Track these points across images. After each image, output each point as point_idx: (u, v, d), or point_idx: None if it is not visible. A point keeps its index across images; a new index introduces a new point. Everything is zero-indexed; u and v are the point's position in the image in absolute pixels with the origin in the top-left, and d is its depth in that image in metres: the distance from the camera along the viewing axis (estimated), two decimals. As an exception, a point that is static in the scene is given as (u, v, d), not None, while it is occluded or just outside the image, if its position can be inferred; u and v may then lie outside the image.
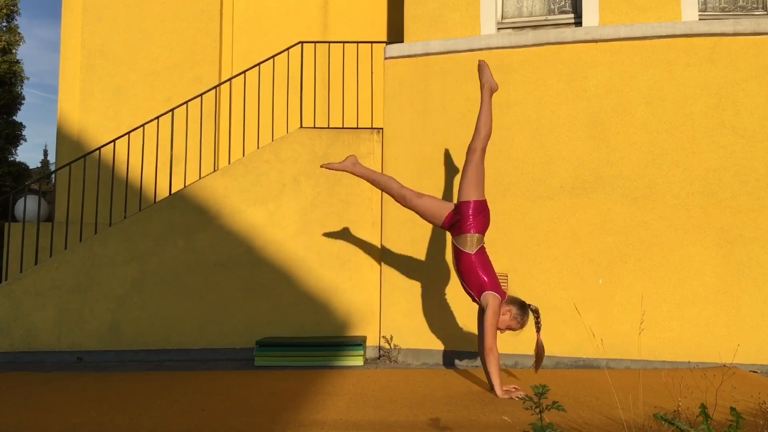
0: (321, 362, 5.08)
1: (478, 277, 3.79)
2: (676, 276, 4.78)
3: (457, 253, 3.88)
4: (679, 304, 4.75)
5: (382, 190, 4.31)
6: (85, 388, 4.16)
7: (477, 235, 3.85)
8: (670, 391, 3.62)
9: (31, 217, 6.98)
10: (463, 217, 3.87)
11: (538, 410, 2.13)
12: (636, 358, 4.69)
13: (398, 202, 4.18)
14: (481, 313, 3.81)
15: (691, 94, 4.88)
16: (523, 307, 3.81)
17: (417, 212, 4.13)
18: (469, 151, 3.99)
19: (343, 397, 3.67)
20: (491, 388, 3.71)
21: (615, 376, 4.16)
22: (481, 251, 3.86)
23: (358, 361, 5.10)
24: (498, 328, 3.79)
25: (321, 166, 4.43)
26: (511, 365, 4.94)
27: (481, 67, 4.18)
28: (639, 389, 3.55)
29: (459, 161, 5.29)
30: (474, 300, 3.87)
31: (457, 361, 5.11)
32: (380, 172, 5.62)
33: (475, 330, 5.10)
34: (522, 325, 3.82)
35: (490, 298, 3.72)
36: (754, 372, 4.44)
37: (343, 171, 4.32)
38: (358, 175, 4.29)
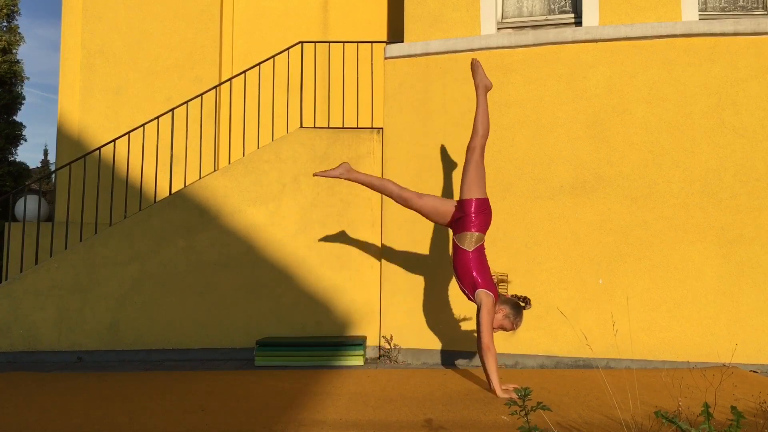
0: (321, 362, 5.08)
1: (472, 275, 3.81)
2: (676, 276, 4.78)
3: (455, 250, 3.91)
4: (679, 304, 4.75)
5: (382, 194, 4.27)
6: (85, 388, 4.16)
7: (477, 233, 3.87)
8: (670, 390, 3.62)
9: (31, 217, 6.98)
10: (466, 215, 3.89)
11: (523, 412, 2.11)
12: (636, 358, 4.70)
13: (400, 204, 4.16)
14: (478, 311, 3.82)
15: (691, 94, 4.88)
16: (516, 308, 3.82)
17: (421, 213, 4.13)
18: (469, 149, 4.02)
19: (343, 397, 3.67)
20: (490, 387, 3.72)
21: (615, 375, 4.16)
22: (479, 250, 3.88)
23: (358, 361, 5.10)
24: (492, 328, 3.81)
25: (314, 174, 4.32)
26: (511, 365, 4.94)
27: (475, 66, 4.19)
28: (639, 389, 3.55)
29: (459, 161, 5.29)
30: (469, 298, 3.89)
31: (457, 361, 5.11)
32: (378, 175, 5.62)
33: (475, 329, 5.10)
34: (514, 326, 3.83)
35: (483, 296, 3.74)
36: (754, 372, 4.44)
37: (338, 178, 4.25)
38: (353, 181, 4.24)
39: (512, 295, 3.90)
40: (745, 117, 4.78)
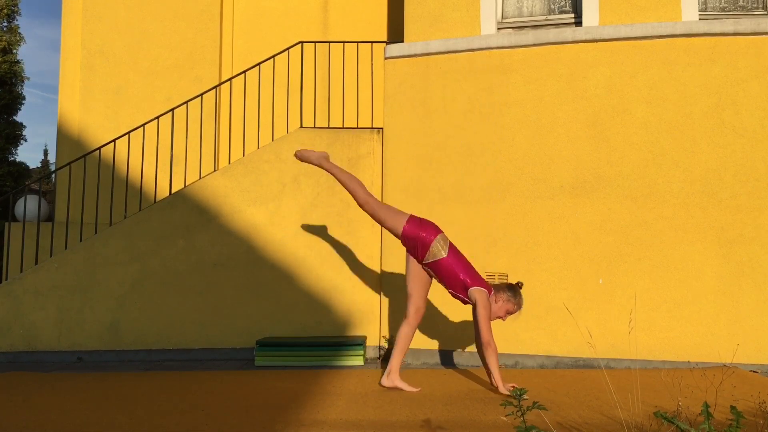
0: (321, 362, 5.08)
1: (459, 278, 3.83)
2: (676, 276, 4.78)
3: (433, 266, 3.90)
4: (679, 304, 4.75)
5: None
6: (85, 388, 4.16)
7: (437, 237, 3.89)
8: (669, 390, 3.62)
9: (31, 217, 6.98)
10: (415, 237, 3.89)
11: (519, 413, 2.10)
12: (636, 358, 4.69)
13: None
14: (474, 309, 3.83)
15: (691, 94, 4.88)
16: (512, 288, 3.87)
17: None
18: (362, 206, 4.02)
19: (343, 397, 3.68)
20: (491, 383, 3.73)
21: (615, 375, 4.16)
22: (453, 250, 3.89)
23: (358, 361, 5.10)
24: (498, 317, 3.85)
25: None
26: (512, 365, 4.94)
27: (301, 157, 4.17)
28: (639, 389, 3.55)
29: (459, 161, 5.29)
30: (463, 301, 3.89)
31: (457, 361, 5.11)
32: (378, 175, 5.63)
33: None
34: (519, 305, 3.89)
35: (476, 293, 3.76)
36: (754, 372, 4.45)
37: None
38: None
39: (502, 283, 3.95)
40: (745, 117, 4.78)
